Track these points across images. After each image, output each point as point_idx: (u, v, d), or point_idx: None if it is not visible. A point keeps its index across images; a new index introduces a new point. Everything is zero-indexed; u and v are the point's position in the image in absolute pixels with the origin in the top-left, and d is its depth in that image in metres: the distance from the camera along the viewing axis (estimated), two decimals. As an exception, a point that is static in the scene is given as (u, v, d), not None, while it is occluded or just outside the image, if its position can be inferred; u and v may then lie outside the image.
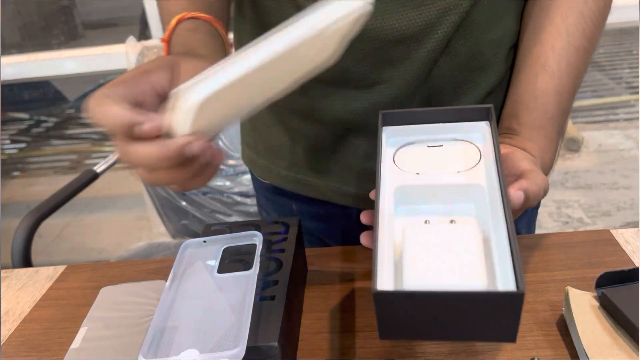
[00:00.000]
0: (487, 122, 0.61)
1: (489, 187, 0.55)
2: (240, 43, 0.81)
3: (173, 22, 0.63)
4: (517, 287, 0.45)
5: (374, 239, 0.50)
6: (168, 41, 0.62)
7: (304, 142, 0.78)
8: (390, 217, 0.54)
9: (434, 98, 0.71)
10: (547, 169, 0.67)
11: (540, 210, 0.93)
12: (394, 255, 0.50)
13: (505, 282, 0.47)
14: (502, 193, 0.53)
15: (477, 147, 0.60)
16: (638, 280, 0.61)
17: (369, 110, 0.71)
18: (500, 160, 0.56)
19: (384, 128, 0.61)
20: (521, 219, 0.86)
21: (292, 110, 0.75)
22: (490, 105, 0.60)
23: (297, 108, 0.75)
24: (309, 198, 0.83)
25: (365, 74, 0.69)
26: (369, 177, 0.75)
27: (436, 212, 0.55)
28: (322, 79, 0.70)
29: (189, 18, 0.63)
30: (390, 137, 0.62)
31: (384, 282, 0.48)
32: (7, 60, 2.07)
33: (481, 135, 0.61)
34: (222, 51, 0.63)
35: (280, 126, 0.79)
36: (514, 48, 0.73)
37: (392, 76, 0.69)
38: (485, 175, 0.56)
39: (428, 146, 0.61)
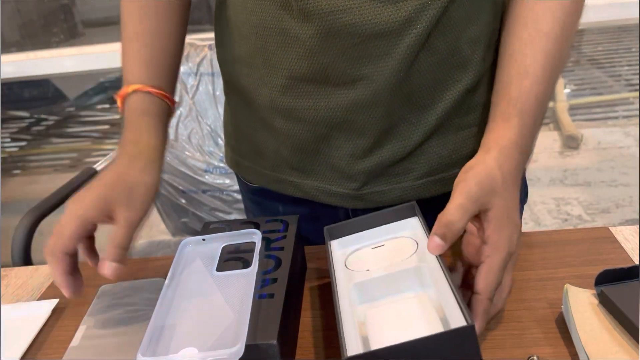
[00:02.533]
0: (416, 217, 0.70)
1: (430, 266, 0.61)
2: (222, 46, 0.81)
3: (130, 89, 0.74)
4: (466, 321, 0.51)
5: (337, 324, 0.56)
6: (122, 100, 0.75)
7: (287, 142, 0.77)
8: (353, 306, 0.60)
9: (414, 95, 0.71)
10: (507, 150, 0.64)
11: (539, 207, 0.93)
12: (360, 334, 0.56)
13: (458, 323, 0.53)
14: (442, 268, 0.60)
15: (413, 239, 0.68)
16: (637, 278, 0.61)
17: (351, 108, 0.71)
18: None
19: (331, 242, 0.71)
20: None
21: (274, 109, 0.75)
22: (414, 202, 0.70)
23: (279, 107, 0.74)
24: (295, 199, 0.83)
25: (345, 70, 0.69)
26: (354, 176, 0.76)
27: (390, 297, 0.62)
28: (303, 77, 0.70)
29: (143, 91, 0.74)
30: (339, 249, 0.70)
31: (353, 349, 0.54)
32: (7, 58, 2.07)
33: (413, 229, 0.69)
34: (163, 132, 0.75)
35: (263, 126, 0.79)
36: (492, 47, 0.73)
37: (372, 72, 0.69)
38: (426, 258, 0.63)
39: (372, 248, 0.69)
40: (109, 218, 0.65)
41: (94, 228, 0.67)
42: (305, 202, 0.82)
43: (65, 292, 0.65)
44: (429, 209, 0.82)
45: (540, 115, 0.68)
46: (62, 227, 0.65)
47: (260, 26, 0.70)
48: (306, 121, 0.74)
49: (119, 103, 0.75)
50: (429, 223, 0.80)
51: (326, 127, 0.73)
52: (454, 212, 0.58)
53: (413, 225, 0.70)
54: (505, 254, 0.59)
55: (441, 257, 0.60)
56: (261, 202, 0.90)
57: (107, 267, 0.63)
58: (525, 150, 0.66)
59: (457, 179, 0.62)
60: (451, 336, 0.51)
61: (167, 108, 0.77)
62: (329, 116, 0.72)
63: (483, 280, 0.59)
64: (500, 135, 0.65)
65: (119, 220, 0.65)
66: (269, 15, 0.69)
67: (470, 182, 0.60)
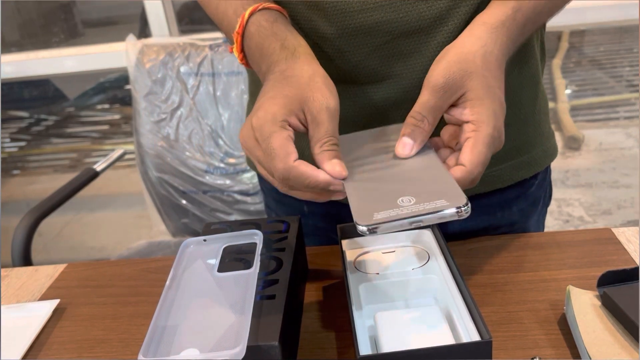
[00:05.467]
0: (430, 229, 0.70)
1: (443, 279, 0.62)
2: None
3: (246, 14, 0.63)
4: (482, 336, 0.52)
5: (351, 323, 0.56)
6: (242, 34, 0.64)
7: None
8: (361, 307, 0.61)
9: None
10: (494, 30, 0.61)
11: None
12: (369, 337, 0.57)
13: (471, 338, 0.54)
14: (455, 281, 0.60)
15: (425, 250, 0.68)
16: (639, 279, 0.60)
17: (380, 105, 0.71)
18: (451, 256, 0.63)
19: (343, 241, 0.71)
20: (531, 217, 0.86)
21: None
22: None
23: None
24: None
25: (375, 68, 0.69)
26: None
27: (399, 303, 0.63)
28: (332, 77, 0.70)
29: (262, 9, 0.64)
30: (349, 249, 0.70)
31: (364, 351, 0.54)
32: (7, 58, 2.07)
33: (427, 241, 0.69)
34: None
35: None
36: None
37: (403, 70, 0.68)
38: (438, 269, 0.64)
39: (382, 252, 0.69)
40: (300, 122, 0.57)
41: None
42: (331, 201, 0.81)
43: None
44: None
45: (540, 8, 0.64)
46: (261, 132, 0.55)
47: None
48: None
49: (237, 41, 0.65)
50: (468, 225, 0.81)
51: (355, 125, 0.73)
52: (419, 110, 0.58)
53: (427, 236, 0.70)
54: (492, 129, 0.56)
55: (458, 270, 0.61)
56: (285, 201, 0.89)
57: (332, 169, 0.55)
58: (514, 36, 0.62)
59: (432, 66, 0.59)
60: (467, 348, 0.51)
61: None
62: (358, 115, 0.72)
63: (470, 153, 0.55)
64: (490, 14, 0.62)
65: (312, 113, 0.56)
66: (297, 15, 0.69)
67: (437, 73, 0.57)
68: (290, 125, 0.56)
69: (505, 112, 0.59)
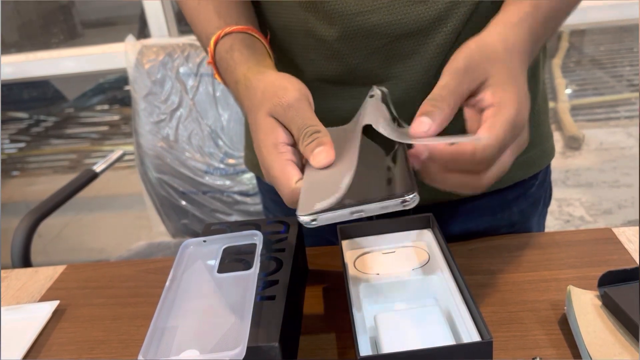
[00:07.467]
0: (430, 229, 0.70)
1: (443, 279, 0.62)
2: None
3: (212, 45, 0.66)
4: (482, 337, 0.52)
5: (352, 324, 0.55)
6: (214, 63, 0.67)
7: None
8: (362, 308, 0.60)
9: None
10: (514, 25, 0.59)
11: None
12: (369, 338, 0.57)
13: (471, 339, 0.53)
14: (456, 281, 0.60)
15: (425, 250, 0.67)
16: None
17: None
18: (451, 256, 0.62)
19: (343, 242, 0.70)
20: (531, 217, 0.85)
21: None
22: (430, 214, 0.69)
23: None
24: None
25: (374, 70, 0.68)
26: None
27: (400, 304, 0.62)
28: (330, 79, 0.70)
29: (223, 36, 0.65)
30: (349, 250, 0.70)
31: (364, 351, 0.54)
32: (6, 59, 2.07)
33: (427, 241, 0.69)
34: (261, 54, 0.65)
35: None
36: None
37: (402, 71, 0.68)
38: (438, 270, 0.63)
39: (383, 253, 0.69)
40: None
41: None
42: None
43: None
44: (463, 213, 0.80)
45: (559, 8, 0.62)
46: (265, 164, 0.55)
47: (285, 29, 0.70)
48: (332, 122, 0.73)
49: (214, 70, 0.68)
50: (468, 226, 0.80)
51: None
52: (439, 92, 0.52)
53: (427, 236, 0.70)
54: (514, 111, 0.50)
55: (458, 270, 0.61)
56: (282, 202, 0.89)
57: (318, 155, 0.52)
58: (535, 33, 0.59)
59: (450, 58, 0.55)
60: (468, 349, 0.51)
61: (259, 41, 0.67)
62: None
63: (486, 131, 0.50)
64: (509, 13, 0.59)
65: (284, 115, 0.55)
66: (293, 17, 0.69)
67: (457, 58, 0.54)
68: (285, 145, 0.55)
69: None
